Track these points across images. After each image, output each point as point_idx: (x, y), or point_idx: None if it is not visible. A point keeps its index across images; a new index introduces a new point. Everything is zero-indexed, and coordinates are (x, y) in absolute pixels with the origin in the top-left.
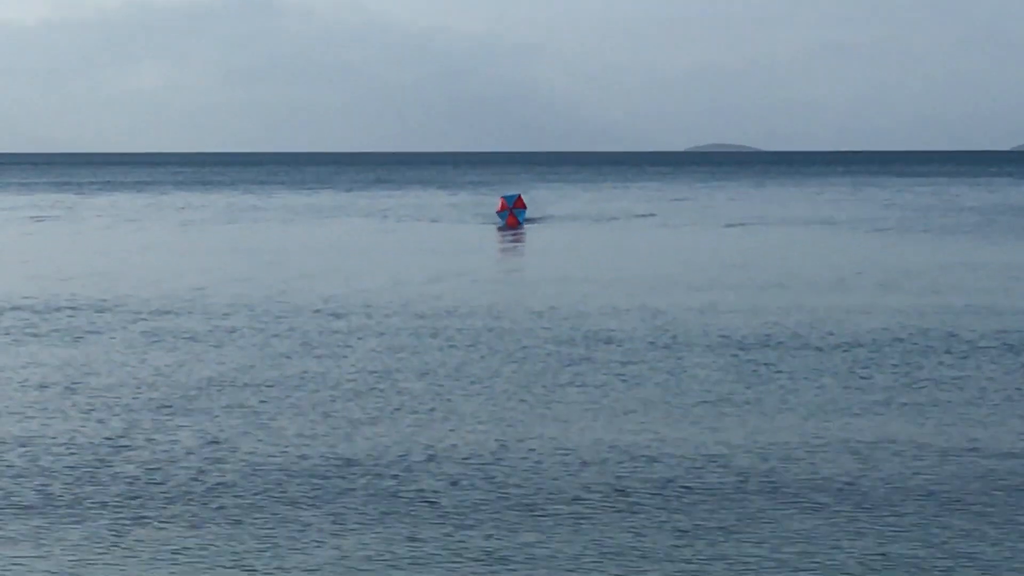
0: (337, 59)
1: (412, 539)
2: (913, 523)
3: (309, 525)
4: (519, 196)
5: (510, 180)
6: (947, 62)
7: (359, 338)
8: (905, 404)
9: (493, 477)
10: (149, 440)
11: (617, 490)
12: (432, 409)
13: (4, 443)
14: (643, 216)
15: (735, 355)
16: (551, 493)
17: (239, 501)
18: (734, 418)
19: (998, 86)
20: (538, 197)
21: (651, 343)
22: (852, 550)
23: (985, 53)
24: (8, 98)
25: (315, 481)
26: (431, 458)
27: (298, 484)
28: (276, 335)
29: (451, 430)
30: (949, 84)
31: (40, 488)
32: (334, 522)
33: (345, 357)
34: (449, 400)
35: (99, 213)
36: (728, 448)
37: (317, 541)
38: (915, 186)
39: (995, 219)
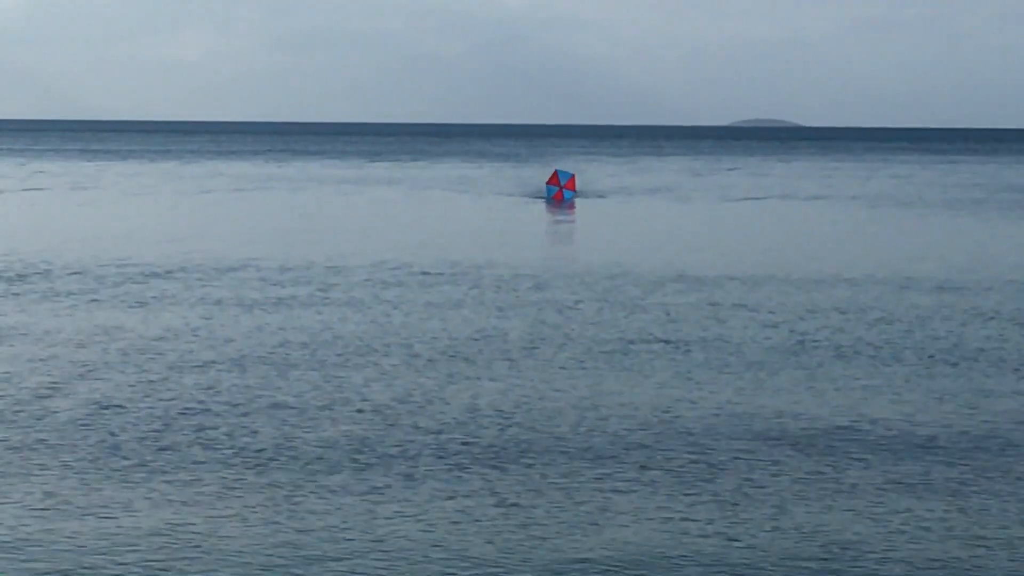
0: (381, 28)
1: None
2: None
3: None
4: (573, 176)
5: (551, 154)
6: (990, 39)
7: (397, 306)
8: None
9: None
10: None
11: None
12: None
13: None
14: (681, 192)
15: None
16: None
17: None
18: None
19: None
20: (582, 172)
21: (693, 306)
22: None
23: None
24: (50, 65)
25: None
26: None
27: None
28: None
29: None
30: (991, 61)
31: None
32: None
33: (388, 318)
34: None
35: (146, 182)
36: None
37: None
38: (956, 163)
39: None
